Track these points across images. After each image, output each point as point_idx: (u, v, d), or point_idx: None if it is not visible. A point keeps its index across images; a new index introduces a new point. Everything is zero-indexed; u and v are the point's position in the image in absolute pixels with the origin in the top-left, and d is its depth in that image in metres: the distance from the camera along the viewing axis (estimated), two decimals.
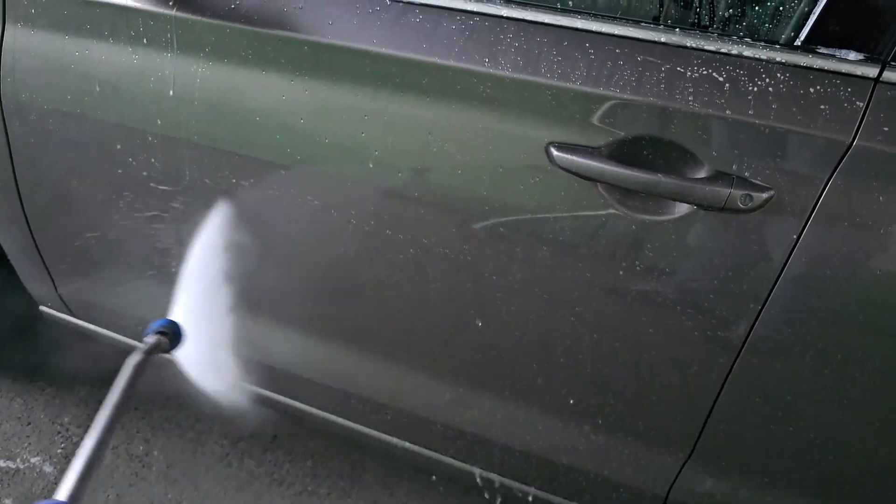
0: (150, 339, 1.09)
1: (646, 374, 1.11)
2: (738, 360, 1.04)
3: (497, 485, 1.34)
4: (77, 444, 1.67)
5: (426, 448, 1.38)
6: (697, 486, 1.19)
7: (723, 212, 0.95)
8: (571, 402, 1.18)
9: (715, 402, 1.09)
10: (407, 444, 1.40)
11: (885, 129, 0.88)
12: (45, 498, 1.47)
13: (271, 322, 1.34)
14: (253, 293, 1.30)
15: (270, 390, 1.47)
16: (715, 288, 0.99)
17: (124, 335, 1.56)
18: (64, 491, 0.82)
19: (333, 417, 1.44)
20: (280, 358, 1.39)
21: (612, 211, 0.99)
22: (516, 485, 1.33)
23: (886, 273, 0.91)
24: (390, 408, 1.34)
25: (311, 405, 1.45)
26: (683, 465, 1.18)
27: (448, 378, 1.25)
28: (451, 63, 1.01)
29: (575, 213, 1.01)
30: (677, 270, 1.00)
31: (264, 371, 1.42)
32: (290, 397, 1.46)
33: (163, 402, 1.83)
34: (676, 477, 1.19)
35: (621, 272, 1.02)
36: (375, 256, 1.15)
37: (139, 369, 1.02)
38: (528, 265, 1.06)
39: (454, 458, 1.37)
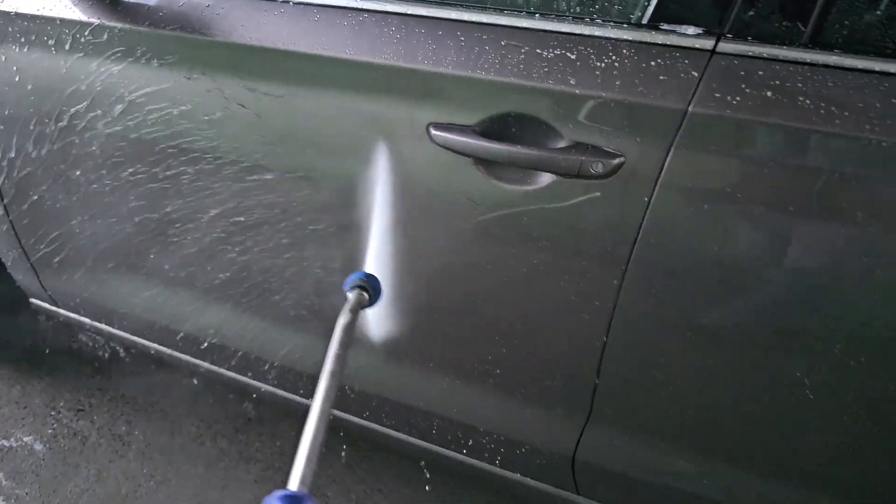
0: (351, 295, 1.06)
1: (534, 340, 1.18)
2: (612, 322, 1.11)
3: (424, 450, 1.43)
4: (68, 427, 1.83)
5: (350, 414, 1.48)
6: (599, 445, 1.25)
7: (579, 178, 1.03)
8: (477, 368, 1.27)
9: (599, 365, 1.16)
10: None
11: (717, 95, 0.95)
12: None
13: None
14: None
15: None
16: (583, 252, 1.07)
17: (103, 323, 1.71)
18: (295, 480, 0.76)
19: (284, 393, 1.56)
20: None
21: (486, 183, 1.08)
22: (441, 450, 1.41)
23: (732, 229, 0.98)
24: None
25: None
26: (584, 426, 1.25)
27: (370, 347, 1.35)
28: (344, 56, 1.11)
29: (455, 187, 1.11)
30: (548, 237, 1.08)
31: None
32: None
33: (148, 387, 1.97)
34: (580, 437, 1.26)
35: (500, 240, 1.11)
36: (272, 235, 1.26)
37: (349, 329, 0.99)
38: (417, 238, 1.16)
39: (389, 427, 1.47)
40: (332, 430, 1.45)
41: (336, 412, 1.47)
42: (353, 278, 1.09)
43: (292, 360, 1.48)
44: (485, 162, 1.08)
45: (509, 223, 1.09)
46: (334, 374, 0.92)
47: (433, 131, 1.09)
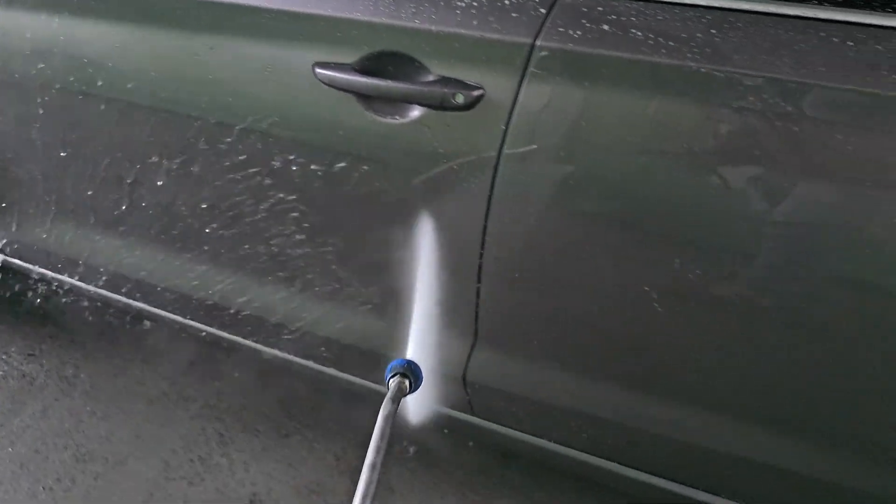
0: (392, 383, 1.09)
1: (415, 266, 1.28)
2: (484, 247, 1.20)
3: (323, 375, 1.53)
4: (17, 369, 1.93)
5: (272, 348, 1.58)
6: (486, 367, 1.35)
7: (444, 110, 1.12)
8: (356, 296, 1.36)
9: (478, 287, 1.25)
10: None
11: (561, 29, 1.04)
12: None
13: None
14: None
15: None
16: (453, 179, 1.16)
17: (57, 272, 1.78)
18: None
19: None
20: None
21: (366, 117, 1.17)
22: (342, 375, 1.52)
23: (580, 153, 1.07)
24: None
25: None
26: (472, 348, 1.34)
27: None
28: (239, 1, 1.20)
29: (340, 122, 1.20)
30: (422, 166, 1.17)
31: None
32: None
33: (98, 333, 2.07)
34: (468, 360, 1.36)
35: (376, 169, 1.20)
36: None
37: (390, 419, 1.00)
38: (304, 171, 1.25)
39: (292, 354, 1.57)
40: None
41: None
42: (394, 365, 1.11)
43: (231, 302, 1.57)
44: (364, 97, 1.17)
45: (387, 154, 1.18)
46: (374, 467, 0.92)
47: (318, 70, 1.18)
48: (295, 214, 1.31)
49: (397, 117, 1.16)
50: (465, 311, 1.30)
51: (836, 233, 0.96)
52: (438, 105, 1.11)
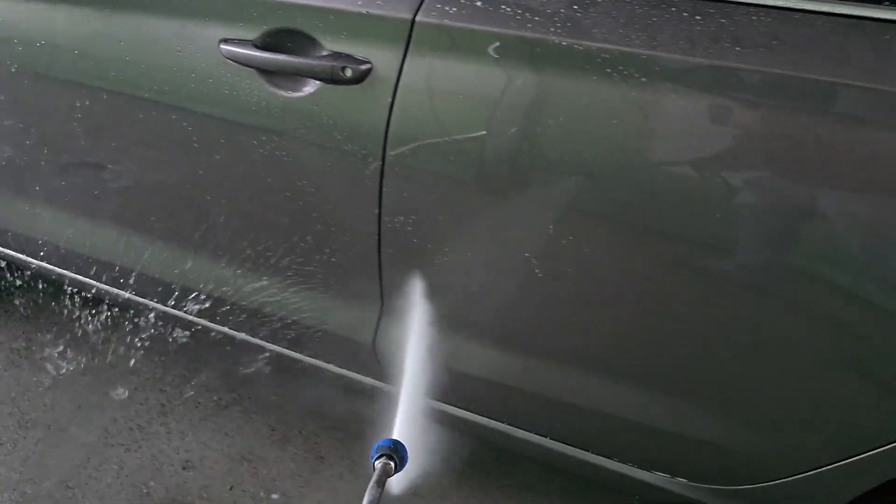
0: (378, 464, 1.07)
1: (320, 237, 1.34)
2: (381, 217, 1.26)
3: (264, 349, 1.59)
4: None
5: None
6: (394, 335, 1.41)
7: (336, 83, 1.18)
8: (282, 265, 1.43)
9: (379, 258, 1.31)
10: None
11: (438, 6, 1.10)
12: None
13: None
14: None
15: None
16: (348, 150, 1.22)
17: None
18: None
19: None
20: None
21: (267, 91, 1.23)
22: (266, 344, 1.58)
23: (465, 124, 1.12)
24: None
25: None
26: (379, 317, 1.40)
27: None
28: None
29: (244, 96, 1.26)
30: (319, 138, 1.23)
31: None
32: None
33: (49, 311, 2.14)
34: (377, 328, 1.42)
35: (277, 142, 1.26)
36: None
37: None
38: (211, 143, 1.31)
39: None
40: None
41: None
42: (380, 445, 1.09)
43: (153, 270, 1.63)
44: (265, 72, 1.23)
45: (287, 126, 1.24)
46: None
47: (222, 46, 1.24)
48: (204, 185, 1.37)
49: (295, 91, 1.22)
50: (369, 280, 1.36)
51: (704, 201, 1.01)
52: (330, 79, 1.17)
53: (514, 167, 1.11)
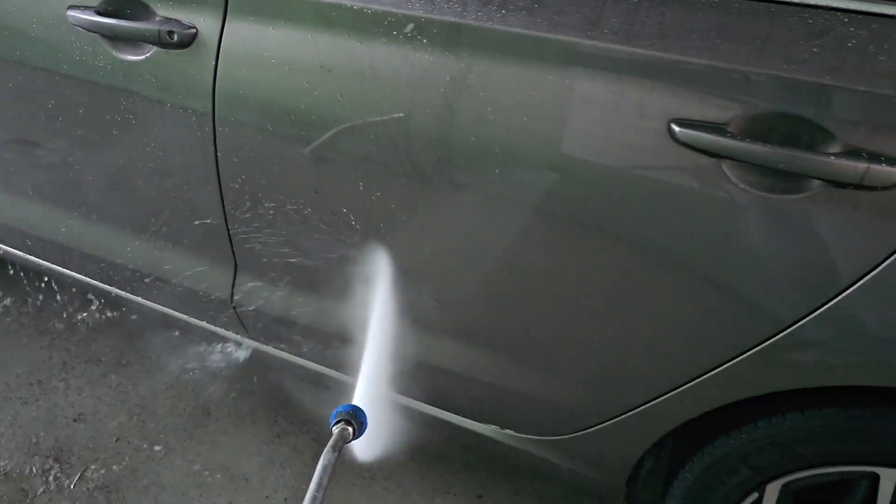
0: (335, 430, 1.05)
1: (172, 197, 1.41)
2: (220, 181, 1.32)
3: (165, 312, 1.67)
4: None
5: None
6: (250, 291, 1.48)
7: (165, 47, 1.24)
8: (145, 225, 1.50)
9: (225, 220, 1.38)
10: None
11: None
12: None
13: None
14: None
15: None
16: (186, 110, 1.28)
17: None
18: None
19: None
20: None
21: (111, 55, 1.30)
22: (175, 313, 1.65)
23: (286, 88, 1.18)
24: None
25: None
26: (234, 274, 1.48)
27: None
28: None
29: (91, 60, 1.32)
30: (155, 100, 1.30)
31: None
32: None
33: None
34: (233, 285, 1.49)
35: (125, 105, 1.33)
36: None
37: (329, 469, 0.96)
38: (65, 106, 1.39)
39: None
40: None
41: None
42: (339, 411, 1.07)
43: (80, 244, 1.68)
44: (107, 37, 1.30)
45: (128, 88, 1.31)
46: None
47: (69, 13, 1.31)
48: (65, 147, 1.45)
49: (135, 55, 1.29)
50: (220, 239, 1.43)
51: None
52: (160, 43, 1.24)
53: (325, 125, 1.17)
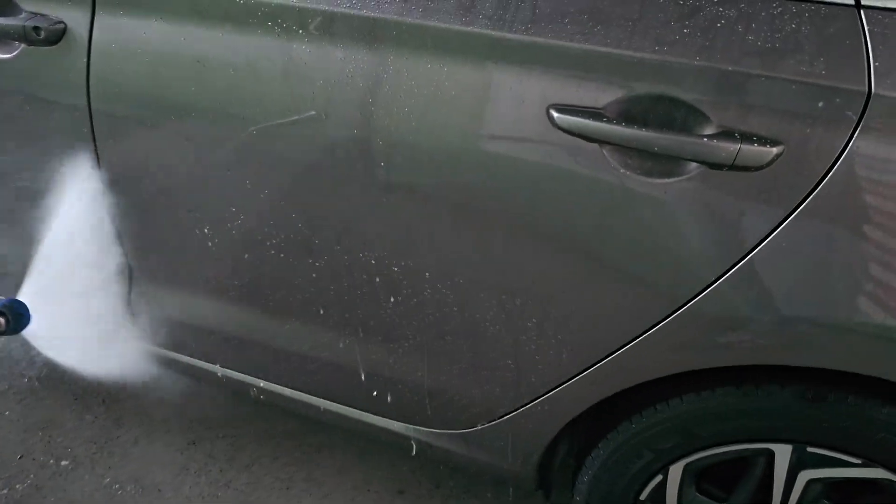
0: None
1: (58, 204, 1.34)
2: (105, 183, 1.26)
3: None
4: None
5: None
6: (145, 293, 1.42)
7: (33, 44, 1.18)
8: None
9: (116, 225, 1.32)
10: None
11: None
12: None
13: None
14: None
15: None
16: (62, 105, 1.21)
17: None
18: None
19: None
20: None
21: None
22: None
23: (152, 77, 1.13)
24: None
25: None
26: (130, 281, 1.41)
27: None
28: None
29: None
30: (29, 98, 1.23)
31: None
32: None
33: None
34: (129, 289, 1.43)
35: (9, 101, 1.26)
36: None
37: None
38: None
39: None
40: None
41: None
42: None
43: None
44: None
45: (8, 87, 1.24)
46: None
47: None
48: None
49: (6, 53, 1.21)
50: (114, 246, 1.36)
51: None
52: (26, 39, 1.17)
53: (203, 119, 1.12)
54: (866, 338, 0.88)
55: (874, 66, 0.80)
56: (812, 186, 0.85)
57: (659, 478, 1.17)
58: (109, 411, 1.82)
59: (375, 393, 1.34)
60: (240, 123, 1.08)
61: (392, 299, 1.19)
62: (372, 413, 1.40)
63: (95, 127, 1.20)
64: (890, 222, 0.84)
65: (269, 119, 1.06)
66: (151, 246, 1.35)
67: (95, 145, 1.23)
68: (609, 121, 0.89)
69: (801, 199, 0.86)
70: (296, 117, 1.05)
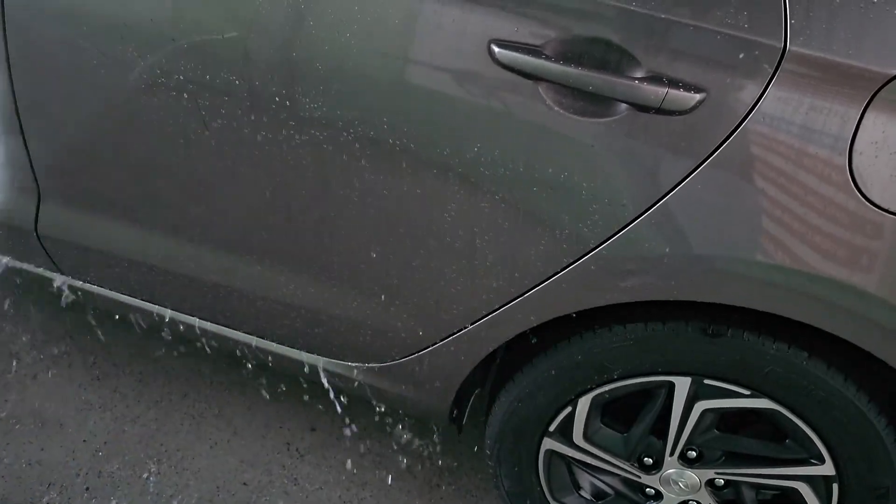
0: None
1: None
2: (17, 104, 1.19)
3: None
4: None
5: None
6: (57, 221, 1.36)
7: None
8: None
9: (25, 146, 1.25)
10: None
11: None
12: None
13: None
14: None
15: None
16: None
17: None
18: None
19: None
20: None
21: None
22: None
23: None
24: None
25: None
26: (38, 202, 1.35)
27: None
28: None
29: None
30: None
31: None
32: None
33: None
34: (37, 214, 1.36)
35: None
36: None
37: None
38: None
39: None
40: None
41: None
42: None
43: None
44: None
45: None
46: None
47: None
48: None
49: None
50: (21, 166, 1.30)
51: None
52: None
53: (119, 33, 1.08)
54: (764, 276, 0.97)
55: (790, 24, 0.87)
56: (728, 133, 0.91)
57: (568, 409, 1.24)
58: (2, 346, 1.73)
59: (288, 323, 1.34)
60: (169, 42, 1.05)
61: (311, 230, 1.19)
62: (284, 344, 1.40)
63: (9, 41, 1.14)
64: (792, 171, 0.91)
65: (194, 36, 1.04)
66: (61, 165, 1.29)
67: (9, 63, 1.16)
68: (547, 58, 0.92)
69: (717, 146, 0.92)
70: (222, 36, 1.03)
